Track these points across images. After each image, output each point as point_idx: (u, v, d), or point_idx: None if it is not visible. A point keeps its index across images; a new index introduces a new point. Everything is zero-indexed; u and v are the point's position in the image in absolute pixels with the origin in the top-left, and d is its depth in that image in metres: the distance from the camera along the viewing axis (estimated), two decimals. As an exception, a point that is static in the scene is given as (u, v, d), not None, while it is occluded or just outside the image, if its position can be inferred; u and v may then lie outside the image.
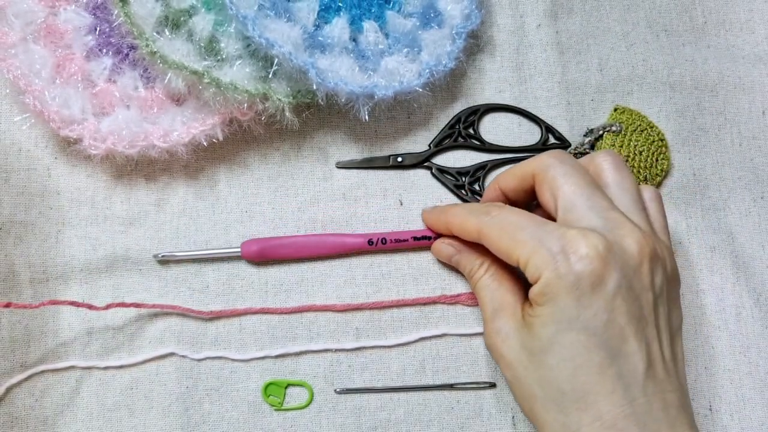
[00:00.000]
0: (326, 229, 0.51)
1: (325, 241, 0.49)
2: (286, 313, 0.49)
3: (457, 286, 0.50)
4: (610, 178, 0.43)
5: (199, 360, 0.48)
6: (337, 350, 0.49)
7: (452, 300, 0.49)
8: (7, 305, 0.45)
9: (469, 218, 0.44)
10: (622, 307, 0.38)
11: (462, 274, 0.50)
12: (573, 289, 0.38)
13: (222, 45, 0.47)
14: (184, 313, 0.49)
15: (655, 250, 0.40)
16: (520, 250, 0.40)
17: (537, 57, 0.53)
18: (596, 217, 0.40)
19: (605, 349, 0.38)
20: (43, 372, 0.48)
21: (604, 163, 0.43)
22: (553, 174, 0.42)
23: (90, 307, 0.47)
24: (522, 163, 0.44)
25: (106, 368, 0.48)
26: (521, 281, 0.44)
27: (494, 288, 0.44)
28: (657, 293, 0.40)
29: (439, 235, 0.49)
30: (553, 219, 0.42)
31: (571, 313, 0.38)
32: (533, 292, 0.40)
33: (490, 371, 0.49)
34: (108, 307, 0.47)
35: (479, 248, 0.45)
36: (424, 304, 0.50)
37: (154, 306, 0.48)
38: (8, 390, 0.48)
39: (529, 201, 0.46)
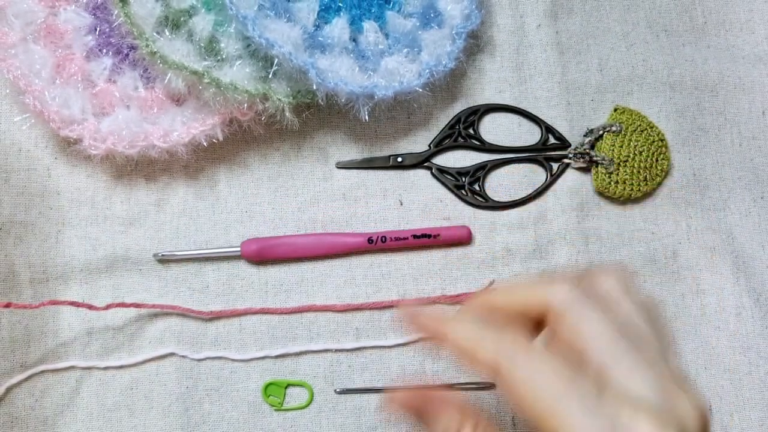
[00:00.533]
0: (326, 229, 0.51)
1: (325, 240, 0.49)
2: (286, 313, 0.49)
3: (457, 286, 0.50)
4: (643, 320, 0.33)
5: (199, 360, 0.48)
6: (337, 350, 0.49)
7: (452, 300, 0.49)
8: (7, 305, 0.45)
9: (484, 345, 0.33)
10: None
11: (459, 275, 0.50)
12: None
13: (222, 45, 0.47)
14: (184, 313, 0.49)
15: (707, 415, 0.32)
16: (558, 417, 0.30)
17: (537, 57, 0.53)
18: (643, 382, 0.31)
19: None
20: (43, 372, 0.48)
21: (618, 281, 0.34)
22: (577, 320, 0.32)
23: (90, 307, 0.47)
24: (525, 285, 0.36)
25: (106, 368, 0.48)
26: None
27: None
28: None
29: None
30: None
31: None
32: None
33: (490, 371, 0.49)
34: (108, 307, 0.47)
35: (453, 405, 0.36)
36: (424, 304, 0.49)
37: (154, 306, 0.48)
38: (8, 390, 0.48)
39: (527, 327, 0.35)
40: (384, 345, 0.49)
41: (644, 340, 0.33)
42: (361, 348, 0.49)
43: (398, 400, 0.37)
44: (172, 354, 0.48)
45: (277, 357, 0.49)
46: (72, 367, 0.48)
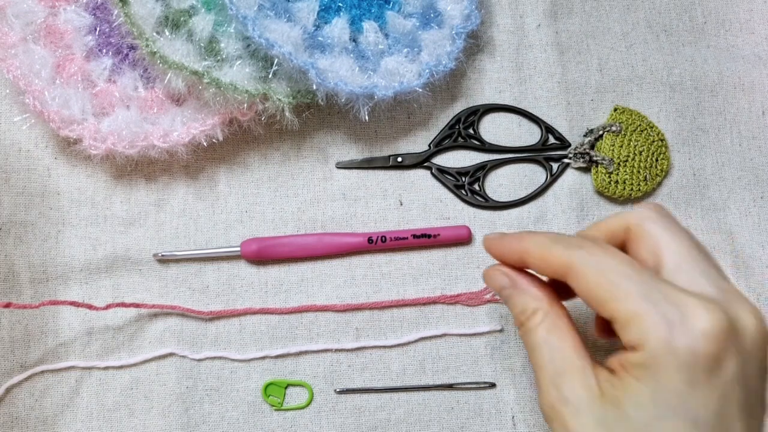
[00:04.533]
0: (326, 229, 0.51)
1: (325, 240, 0.49)
2: (286, 313, 0.49)
3: (457, 286, 0.50)
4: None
5: (199, 360, 0.48)
6: (337, 350, 0.49)
7: (452, 300, 0.49)
8: (7, 305, 0.45)
9: (554, 248, 0.36)
10: (734, 398, 0.32)
11: (459, 275, 0.50)
12: (686, 369, 0.32)
13: (222, 45, 0.47)
14: (185, 314, 0.49)
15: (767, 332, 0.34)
16: (623, 303, 0.33)
17: (537, 57, 0.53)
18: (710, 286, 0.34)
19: None
20: (43, 372, 0.48)
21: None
22: (655, 229, 0.36)
23: (90, 307, 0.47)
24: (610, 217, 0.39)
25: (106, 368, 0.48)
26: (582, 335, 0.37)
27: (555, 345, 0.36)
28: (763, 378, 0.34)
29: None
30: None
31: (678, 399, 0.32)
32: (629, 360, 0.33)
33: (490, 371, 0.49)
34: (108, 307, 0.47)
35: (536, 288, 0.38)
36: (424, 304, 0.49)
37: (154, 306, 0.48)
38: (8, 390, 0.48)
39: None
40: (384, 345, 0.49)
41: (711, 256, 0.36)
42: (361, 348, 0.49)
43: (488, 280, 0.40)
44: (172, 354, 0.48)
45: (277, 357, 0.49)
46: (72, 367, 0.48)
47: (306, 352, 0.49)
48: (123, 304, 0.47)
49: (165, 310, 0.49)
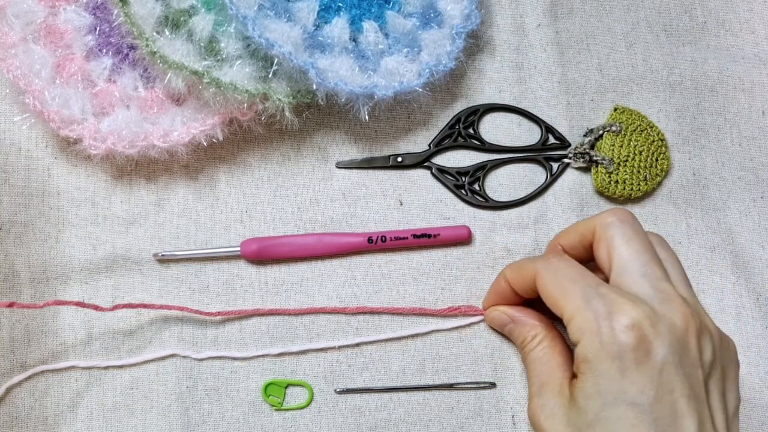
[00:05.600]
0: (326, 229, 0.51)
1: (325, 240, 0.49)
2: (295, 314, 0.49)
3: (457, 286, 0.50)
4: (660, 253, 0.41)
5: (200, 360, 0.48)
6: (340, 347, 0.49)
7: (450, 312, 0.49)
8: (11, 305, 0.45)
9: (527, 263, 0.44)
10: (670, 383, 0.37)
11: (459, 275, 0.50)
12: (616, 359, 0.37)
13: (222, 45, 0.47)
14: (186, 314, 0.49)
15: (703, 326, 0.39)
16: (567, 303, 0.39)
17: (537, 57, 0.53)
18: (648, 286, 0.39)
19: (655, 427, 0.36)
20: (43, 372, 0.48)
21: (651, 238, 0.42)
22: (613, 233, 0.41)
23: (96, 308, 0.47)
24: (584, 219, 0.44)
25: (106, 368, 0.48)
26: (572, 356, 0.43)
27: (544, 361, 0.43)
28: (707, 371, 0.38)
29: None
30: (607, 280, 0.41)
31: (616, 387, 0.37)
32: (576, 358, 0.39)
33: (490, 371, 0.49)
34: (115, 308, 0.47)
35: (533, 318, 0.45)
36: (420, 314, 0.49)
37: (161, 307, 0.48)
38: (8, 390, 0.48)
39: (589, 260, 0.44)
40: (385, 338, 0.49)
41: (669, 266, 0.41)
42: (362, 344, 0.49)
43: (490, 321, 0.48)
44: (172, 354, 0.48)
45: (277, 357, 0.49)
46: (72, 367, 0.48)
47: (306, 352, 0.49)
48: (130, 305, 0.47)
49: (165, 310, 0.49)
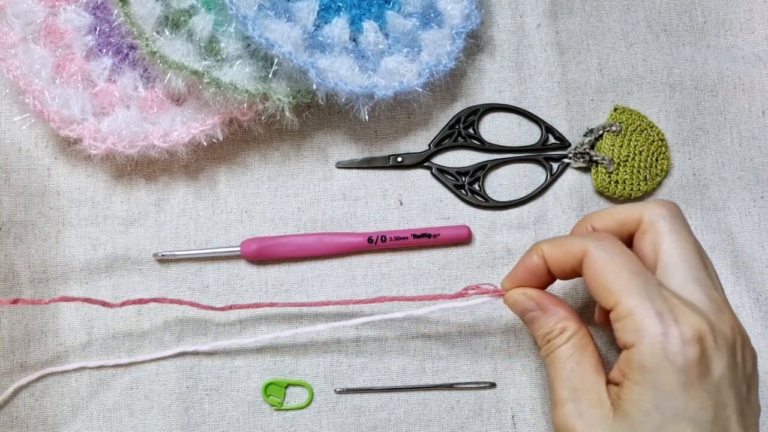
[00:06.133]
0: (326, 229, 0.51)
1: (325, 240, 0.49)
2: (301, 307, 0.48)
3: (457, 285, 0.50)
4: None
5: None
6: (342, 339, 0.49)
7: (453, 298, 0.49)
8: (15, 302, 0.45)
9: (574, 240, 0.39)
10: (725, 400, 0.35)
11: (459, 275, 0.50)
12: (680, 373, 0.34)
13: (222, 45, 0.47)
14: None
15: (745, 338, 0.37)
16: (624, 295, 0.35)
17: (537, 57, 0.53)
18: (702, 294, 0.36)
19: None
20: (51, 373, 0.48)
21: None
22: (662, 228, 0.38)
23: (104, 303, 0.46)
24: (625, 205, 0.41)
25: (106, 368, 0.48)
26: (603, 358, 0.40)
27: (575, 361, 0.38)
28: (749, 384, 0.37)
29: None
30: None
31: (678, 403, 0.34)
32: (627, 363, 0.35)
33: (490, 371, 0.49)
34: (123, 303, 0.46)
35: (563, 309, 0.40)
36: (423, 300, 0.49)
37: (171, 301, 0.47)
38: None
39: None
40: (391, 318, 0.47)
41: (708, 266, 0.38)
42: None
43: (512, 303, 0.42)
44: (172, 354, 0.48)
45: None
46: (82, 368, 0.48)
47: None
48: (141, 300, 0.46)
49: (166, 310, 0.49)
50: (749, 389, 0.37)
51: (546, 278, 0.41)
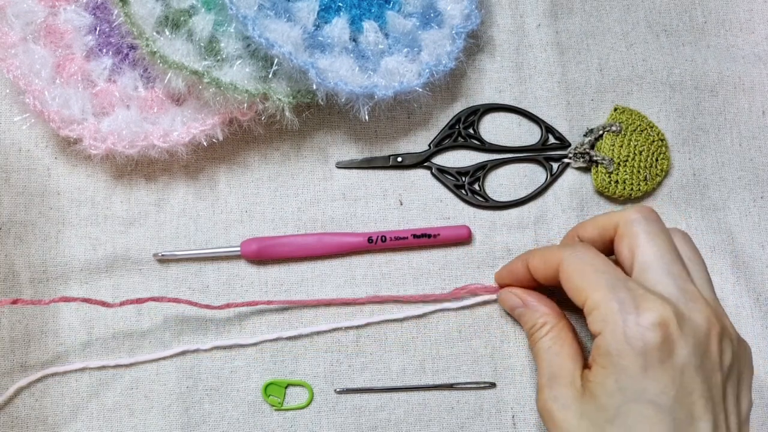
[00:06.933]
0: (326, 229, 0.51)
1: (325, 240, 0.49)
2: (300, 305, 0.49)
3: (457, 285, 0.50)
4: (684, 252, 0.41)
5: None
6: (347, 328, 0.48)
7: (452, 296, 0.49)
8: (14, 302, 0.45)
9: (553, 251, 0.43)
10: (691, 384, 0.36)
11: (459, 275, 0.50)
12: (640, 356, 0.36)
13: (222, 45, 0.47)
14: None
15: (725, 329, 0.39)
16: (591, 291, 0.39)
17: (537, 57, 0.53)
18: (672, 286, 0.38)
19: (673, 426, 0.36)
20: (53, 373, 0.48)
21: (676, 235, 0.42)
22: (637, 230, 0.40)
23: (103, 303, 0.46)
24: (605, 213, 0.44)
25: (106, 368, 0.48)
26: (582, 347, 0.43)
27: (555, 352, 0.42)
28: (726, 373, 0.38)
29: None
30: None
31: (638, 384, 0.36)
32: (595, 350, 0.38)
33: (490, 371, 0.49)
34: (123, 303, 0.47)
35: (544, 305, 0.45)
36: (426, 302, 0.49)
37: (170, 300, 0.47)
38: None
39: (607, 255, 0.43)
40: (390, 319, 0.49)
41: (691, 265, 0.41)
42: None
43: (502, 301, 0.48)
44: (172, 354, 0.48)
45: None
46: (84, 368, 0.48)
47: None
48: (139, 300, 0.47)
49: (167, 309, 0.49)
50: (727, 379, 0.38)
51: (531, 283, 0.46)
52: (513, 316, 0.47)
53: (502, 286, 0.48)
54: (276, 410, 0.48)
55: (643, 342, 0.36)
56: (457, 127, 0.52)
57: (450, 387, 0.49)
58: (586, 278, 0.39)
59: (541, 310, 0.45)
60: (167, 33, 0.47)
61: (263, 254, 0.49)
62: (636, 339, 0.36)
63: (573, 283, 0.40)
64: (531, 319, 0.45)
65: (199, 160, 0.51)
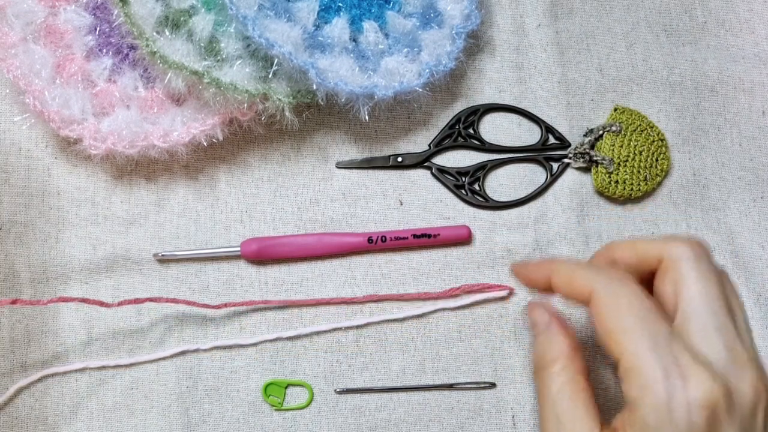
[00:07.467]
0: (326, 229, 0.51)
1: (325, 240, 0.49)
2: (300, 305, 0.49)
3: (457, 285, 0.50)
4: (729, 296, 0.36)
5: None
6: (346, 328, 0.49)
7: (452, 293, 0.49)
8: (14, 302, 0.45)
9: (581, 272, 0.36)
10: None
11: (459, 275, 0.50)
12: None
13: (222, 45, 0.47)
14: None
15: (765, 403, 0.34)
16: (628, 344, 0.33)
17: (537, 57, 0.53)
18: (722, 346, 0.34)
19: None
20: (53, 374, 0.48)
21: (721, 277, 0.37)
22: (686, 271, 0.35)
23: (101, 303, 0.46)
24: (647, 239, 0.39)
25: (106, 368, 0.48)
26: (594, 390, 0.37)
27: (565, 402, 0.36)
28: None
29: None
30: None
31: None
32: (630, 412, 0.33)
33: (490, 371, 0.49)
34: (120, 303, 0.47)
35: (564, 336, 0.38)
36: (426, 299, 0.49)
37: (168, 300, 0.47)
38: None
39: (641, 283, 0.37)
40: (390, 319, 0.49)
41: (736, 312, 0.36)
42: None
43: (530, 311, 0.41)
44: (172, 354, 0.48)
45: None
46: (84, 368, 0.48)
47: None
48: (137, 300, 0.47)
49: (167, 309, 0.49)
50: None
51: (550, 293, 0.40)
52: (532, 330, 0.41)
53: (519, 276, 0.42)
54: (276, 410, 0.48)
55: (689, 422, 0.32)
56: (457, 127, 0.52)
57: (450, 387, 0.49)
58: (623, 324, 0.34)
59: (558, 340, 0.38)
60: (167, 33, 0.47)
61: (263, 254, 0.49)
62: (681, 418, 0.32)
63: (606, 326, 0.34)
64: (544, 346, 0.39)
65: (199, 160, 0.51)
